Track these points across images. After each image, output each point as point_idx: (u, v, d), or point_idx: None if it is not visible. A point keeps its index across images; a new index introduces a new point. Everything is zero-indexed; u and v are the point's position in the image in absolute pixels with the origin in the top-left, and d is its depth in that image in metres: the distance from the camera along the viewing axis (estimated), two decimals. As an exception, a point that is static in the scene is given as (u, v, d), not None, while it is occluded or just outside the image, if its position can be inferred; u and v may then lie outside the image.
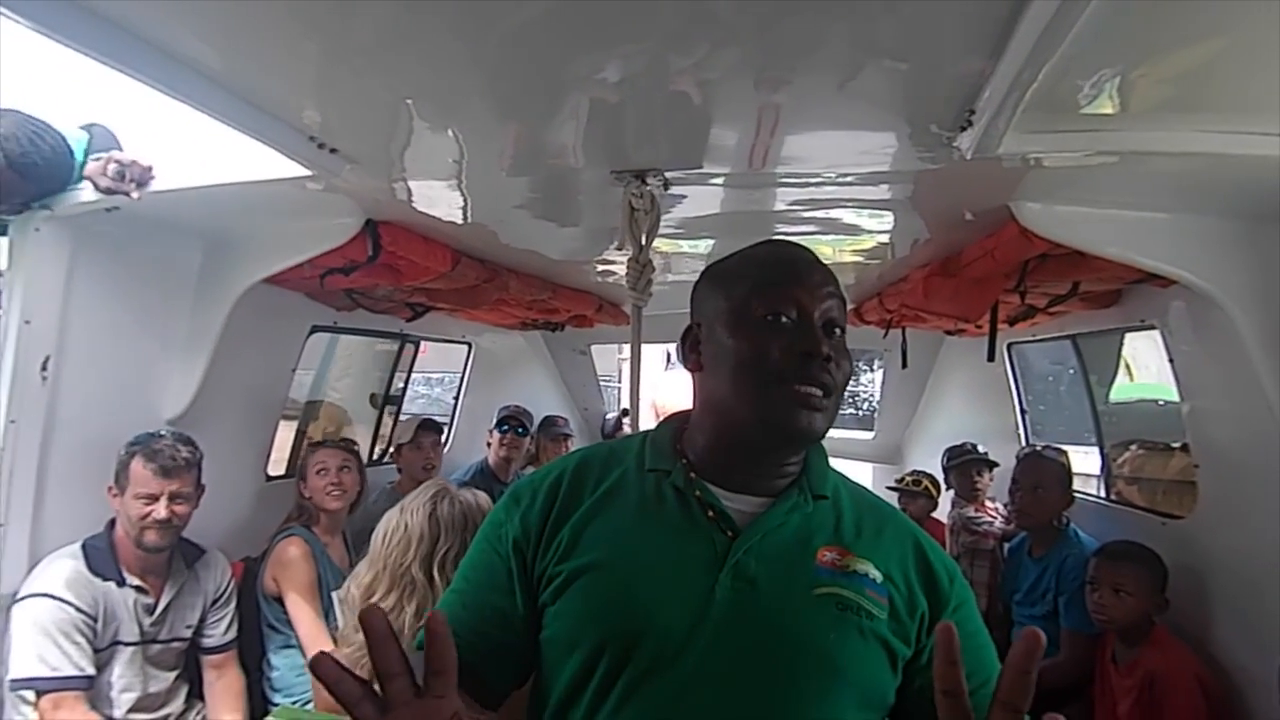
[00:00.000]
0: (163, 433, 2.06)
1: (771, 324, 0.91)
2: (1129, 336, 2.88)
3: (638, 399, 1.85)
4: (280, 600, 2.34)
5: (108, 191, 1.80)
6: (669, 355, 6.91)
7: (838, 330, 0.94)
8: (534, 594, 0.95)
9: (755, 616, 0.87)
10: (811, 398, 0.88)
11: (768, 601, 0.88)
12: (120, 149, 1.85)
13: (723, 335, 0.94)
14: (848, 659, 0.87)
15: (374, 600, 1.41)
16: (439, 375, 7.24)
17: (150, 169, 1.82)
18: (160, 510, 1.96)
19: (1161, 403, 2.71)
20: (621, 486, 0.97)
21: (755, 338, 0.91)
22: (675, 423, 1.02)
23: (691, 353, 1.00)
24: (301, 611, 2.30)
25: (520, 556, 0.96)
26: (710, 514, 0.92)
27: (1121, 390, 3.28)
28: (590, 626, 0.90)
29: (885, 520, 0.98)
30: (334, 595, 2.39)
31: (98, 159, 1.83)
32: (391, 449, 3.63)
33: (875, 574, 0.91)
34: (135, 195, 1.79)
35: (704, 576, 0.89)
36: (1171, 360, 2.32)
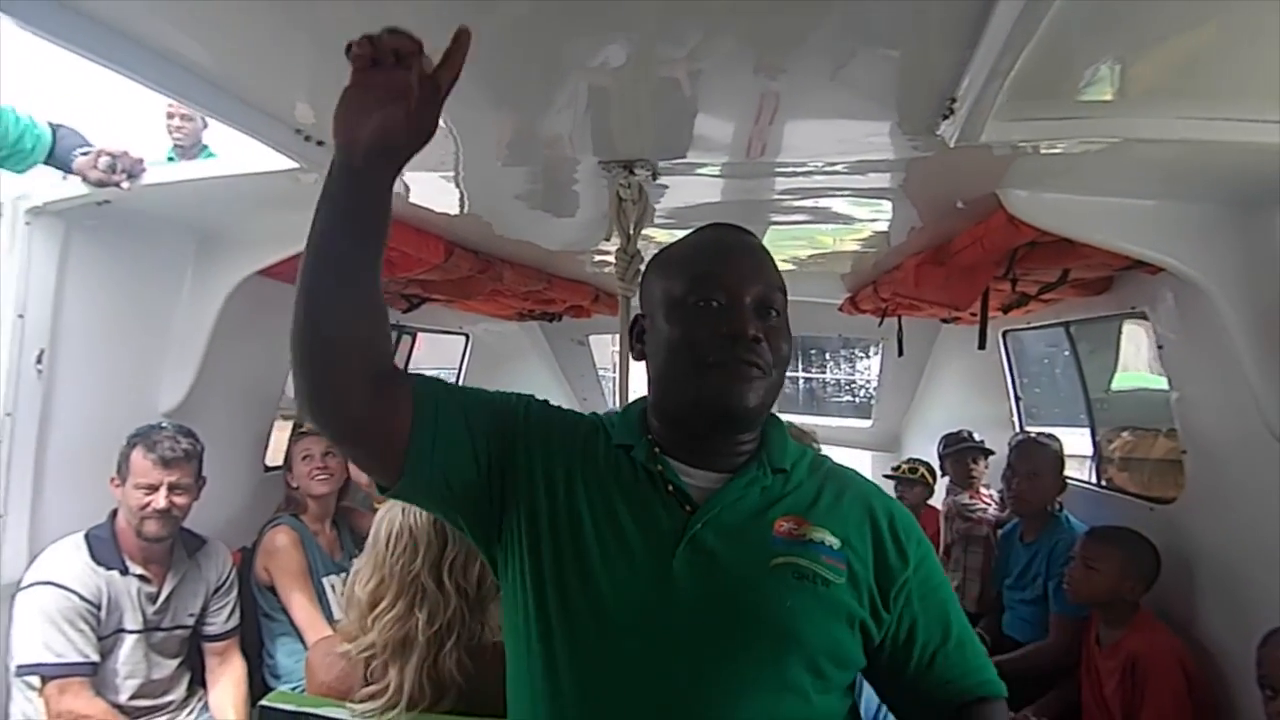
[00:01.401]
0: (164, 425, 2.07)
1: (702, 309, 0.94)
2: (1127, 324, 2.88)
3: (626, 389, 1.86)
4: (273, 589, 2.36)
5: (99, 184, 1.81)
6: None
7: (773, 313, 0.96)
8: (496, 469, 0.96)
9: (713, 590, 0.89)
10: (740, 370, 0.92)
11: (725, 575, 0.90)
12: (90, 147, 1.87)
13: (660, 323, 0.98)
14: (806, 627, 0.89)
15: (382, 608, 1.40)
16: (432, 371, 7.21)
17: (141, 160, 1.83)
18: (160, 500, 1.97)
19: (1156, 390, 2.71)
20: (595, 457, 0.99)
21: (685, 323, 0.95)
22: (643, 402, 1.05)
23: (637, 343, 1.04)
24: (295, 599, 2.32)
25: (515, 439, 0.97)
26: (669, 489, 0.94)
27: (1122, 379, 3.29)
28: (546, 598, 0.91)
29: (844, 486, 1.00)
30: (325, 581, 2.42)
31: (85, 153, 1.84)
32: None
33: (832, 540, 0.93)
34: (126, 186, 1.80)
35: (662, 551, 0.91)
36: (1160, 347, 2.33)
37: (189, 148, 3.29)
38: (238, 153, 1.78)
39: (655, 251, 1.09)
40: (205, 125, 3.30)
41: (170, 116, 3.28)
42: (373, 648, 1.40)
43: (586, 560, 0.91)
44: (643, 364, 1.04)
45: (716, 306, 0.94)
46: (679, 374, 0.95)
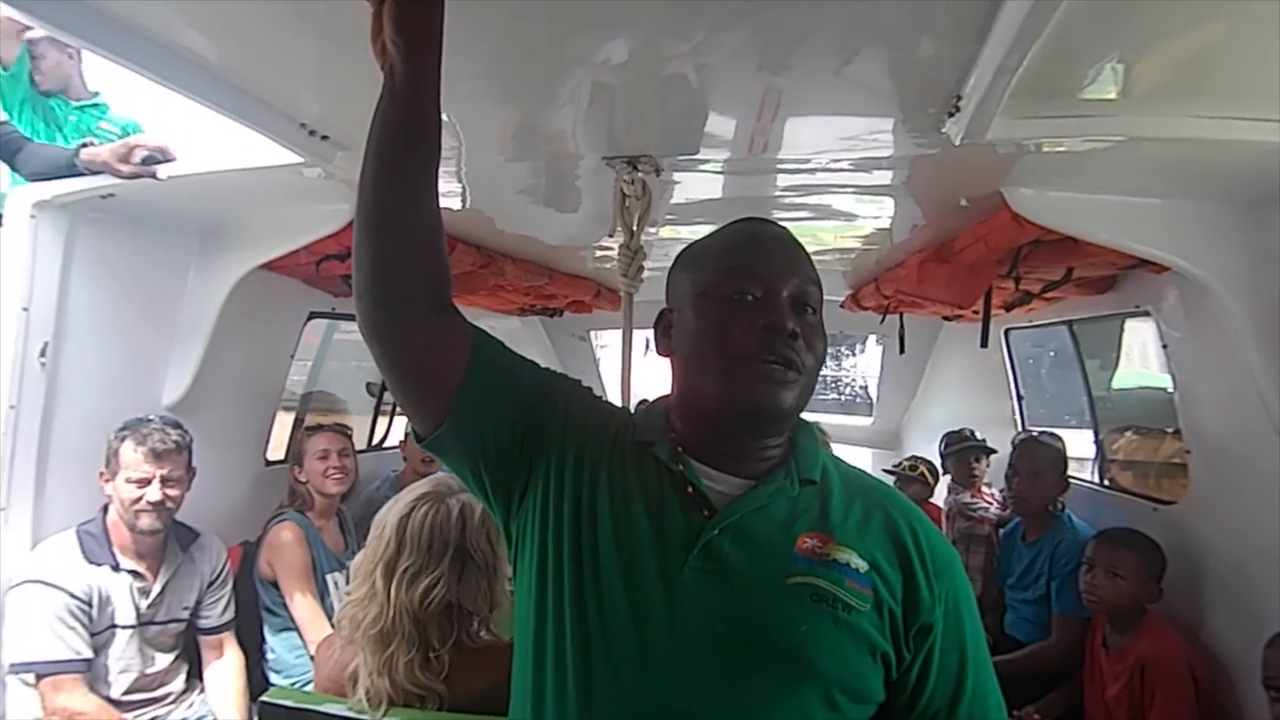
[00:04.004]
0: (151, 417, 2.07)
1: (736, 302, 0.90)
2: (1129, 323, 2.88)
3: (629, 386, 1.86)
4: (275, 584, 2.37)
5: (132, 176, 1.80)
6: (647, 342, 6.77)
7: (809, 310, 0.92)
8: (530, 441, 0.94)
9: (722, 602, 0.84)
10: (774, 371, 0.87)
11: (737, 587, 0.85)
12: None
13: (690, 317, 0.94)
14: (819, 653, 0.83)
15: (353, 586, 1.40)
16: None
17: (168, 148, 1.82)
18: (153, 493, 1.97)
19: (1166, 390, 2.70)
20: (621, 452, 0.95)
21: (719, 316, 0.90)
22: (668, 399, 1.00)
23: (663, 337, 0.99)
24: (296, 595, 2.33)
25: (554, 417, 0.95)
26: (689, 490, 0.90)
27: (1124, 377, 3.28)
28: (563, 588, 0.88)
29: (876, 506, 0.93)
30: (328, 578, 2.43)
31: (93, 144, 1.84)
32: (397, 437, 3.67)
33: (859, 563, 0.87)
34: (163, 177, 1.80)
35: (674, 555, 0.86)
36: (1165, 346, 2.32)
37: (62, 91, 2.84)
38: (243, 146, 1.78)
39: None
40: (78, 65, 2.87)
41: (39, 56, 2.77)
42: (342, 626, 1.40)
43: (599, 557, 0.87)
44: (659, 361, 1.01)
45: (752, 300, 0.90)
46: (709, 369, 0.90)
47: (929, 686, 0.89)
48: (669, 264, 1.03)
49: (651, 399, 1.04)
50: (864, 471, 1.02)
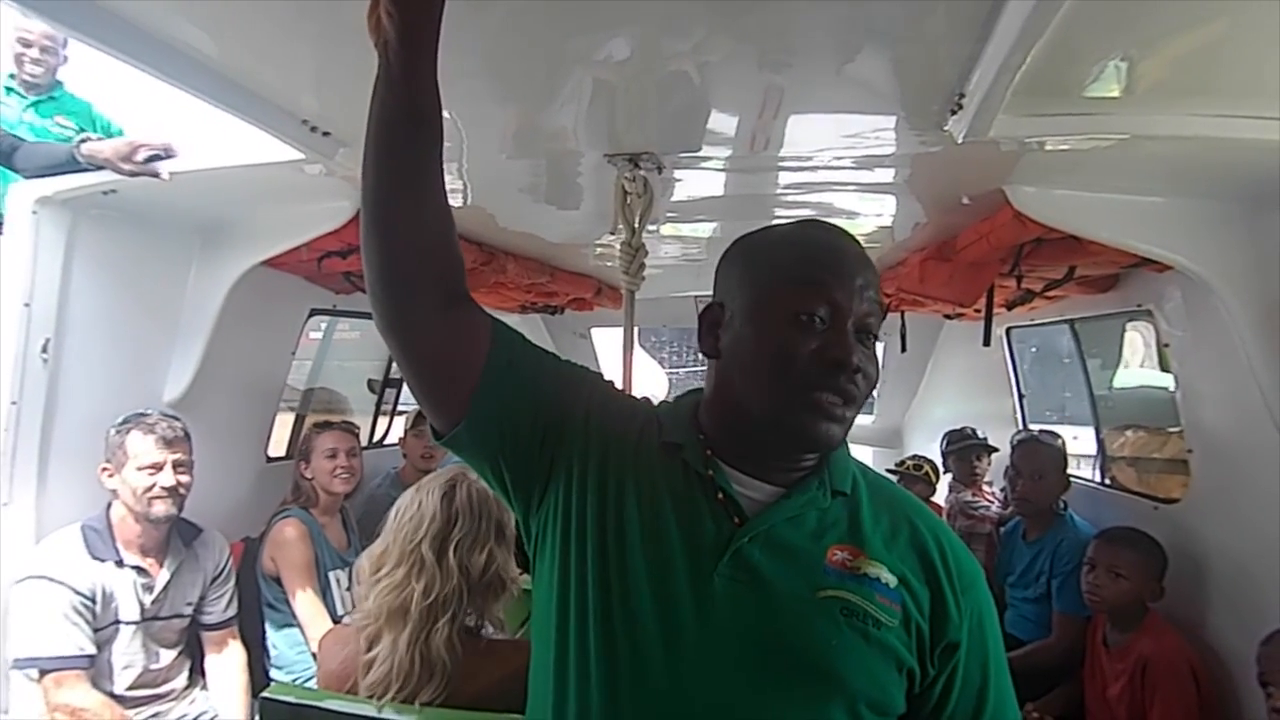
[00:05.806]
0: (149, 410, 2.08)
1: (804, 324, 0.85)
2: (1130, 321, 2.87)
3: (630, 384, 1.86)
4: (279, 580, 2.38)
5: (135, 174, 1.80)
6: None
7: (871, 337, 0.87)
8: (552, 436, 0.91)
9: (751, 612, 0.83)
10: (834, 407, 0.84)
11: (767, 598, 0.83)
12: None
13: (747, 324, 0.89)
14: (848, 669, 0.82)
15: (383, 573, 1.42)
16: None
17: (171, 145, 1.82)
18: (166, 478, 2.00)
19: (1168, 389, 2.69)
20: (648, 452, 0.92)
21: (782, 335, 0.85)
22: (694, 397, 0.97)
23: (709, 335, 0.93)
24: (299, 592, 2.34)
25: (576, 413, 0.92)
26: (719, 496, 0.87)
27: (1125, 376, 3.28)
28: (586, 594, 0.86)
29: (903, 519, 0.91)
30: (331, 575, 2.43)
31: (95, 139, 1.84)
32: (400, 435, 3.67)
33: (888, 578, 0.85)
34: (166, 176, 1.79)
35: (704, 563, 0.84)
36: (1166, 345, 2.32)
37: (42, 87, 2.85)
38: (244, 143, 1.78)
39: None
40: (65, 60, 2.87)
41: (27, 46, 2.77)
42: (369, 615, 1.41)
43: (626, 560, 0.85)
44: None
45: (819, 324, 0.84)
46: (761, 387, 0.86)
47: (951, 702, 0.88)
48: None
49: (672, 397, 1.01)
50: (889, 480, 1.00)
